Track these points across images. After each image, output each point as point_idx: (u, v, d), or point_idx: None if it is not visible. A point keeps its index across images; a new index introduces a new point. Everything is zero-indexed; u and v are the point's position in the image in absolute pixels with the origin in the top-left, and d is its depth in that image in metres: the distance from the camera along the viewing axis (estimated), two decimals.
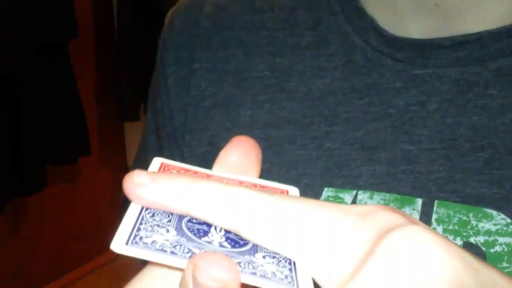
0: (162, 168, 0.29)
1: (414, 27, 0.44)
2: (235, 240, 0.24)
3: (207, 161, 0.47)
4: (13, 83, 1.77)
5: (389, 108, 0.43)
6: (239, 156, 0.29)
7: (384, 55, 0.44)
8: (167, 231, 0.23)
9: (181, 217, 0.24)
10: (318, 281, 0.23)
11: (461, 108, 0.41)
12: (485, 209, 0.39)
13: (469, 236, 0.38)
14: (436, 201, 0.40)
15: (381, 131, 0.43)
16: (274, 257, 0.23)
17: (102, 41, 2.31)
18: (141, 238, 0.22)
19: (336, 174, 0.43)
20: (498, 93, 0.41)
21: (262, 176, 0.29)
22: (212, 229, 0.24)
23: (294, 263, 0.23)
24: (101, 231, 2.34)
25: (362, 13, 0.45)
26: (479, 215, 0.39)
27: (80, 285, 2.38)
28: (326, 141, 0.44)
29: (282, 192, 0.29)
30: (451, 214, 0.39)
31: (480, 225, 0.38)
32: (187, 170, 0.29)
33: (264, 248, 0.24)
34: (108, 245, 0.22)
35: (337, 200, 0.42)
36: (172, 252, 0.22)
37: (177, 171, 0.28)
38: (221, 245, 0.23)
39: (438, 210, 0.40)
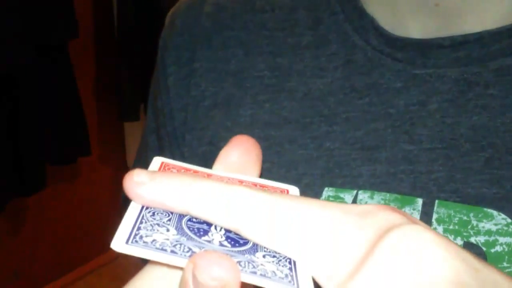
0: (162, 167, 0.29)
1: (415, 27, 0.44)
2: (235, 239, 0.24)
3: (207, 160, 0.47)
4: (13, 83, 1.77)
5: (390, 108, 0.43)
6: (240, 155, 0.29)
7: (384, 55, 0.44)
8: (167, 230, 0.23)
9: (181, 216, 0.24)
10: (318, 280, 0.23)
11: (462, 108, 0.41)
12: (485, 209, 0.39)
13: (470, 236, 0.38)
14: (436, 201, 0.40)
15: (382, 131, 0.43)
16: (274, 256, 0.23)
17: (102, 41, 2.30)
18: (141, 237, 0.22)
19: (336, 174, 0.43)
20: (499, 93, 0.41)
21: (262, 175, 0.29)
22: (212, 228, 0.24)
23: (294, 262, 0.23)
24: (101, 231, 2.34)
25: (362, 13, 0.45)
26: (480, 215, 0.39)
27: (80, 285, 2.38)
28: (326, 141, 0.44)
29: (282, 191, 0.29)
30: (452, 214, 0.39)
31: (481, 225, 0.38)
32: (187, 170, 0.29)
33: (264, 247, 0.24)
34: (108, 245, 0.22)
35: (338, 200, 0.42)
36: (172, 251, 0.22)
37: (177, 171, 0.28)
38: (221, 244, 0.23)
39: (439, 210, 0.40)
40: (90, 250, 2.43)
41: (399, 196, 0.41)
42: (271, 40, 0.49)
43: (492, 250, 0.38)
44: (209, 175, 0.28)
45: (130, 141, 2.47)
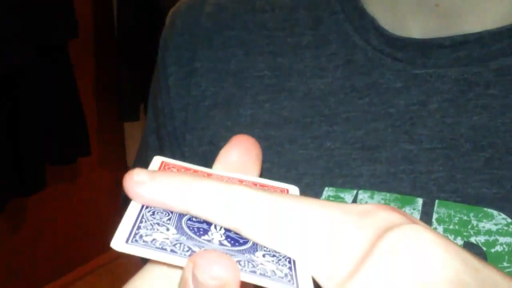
0: (163, 167, 0.29)
1: (415, 27, 0.44)
2: (235, 239, 0.24)
3: (207, 160, 0.47)
4: (13, 83, 1.77)
5: (390, 108, 0.43)
6: (240, 155, 0.29)
7: (385, 55, 0.44)
8: (167, 229, 0.23)
9: (181, 215, 0.24)
10: (318, 280, 0.23)
11: (462, 108, 0.41)
12: (485, 209, 0.39)
13: (470, 236, 0.38)
14: (436, 201, 0.40)
15: (382, 131, 0.43)
16: (274, 256, 0.23)
17: (102, 41, 2.30)
18: (141, 236, 0.22)
19: (336, 174, 0.43)
20: (499, 93, 0.41)
21: (262, 175, 0.29)
22: (212, 227, 0.24)
23: (294, 262, 0.23)
24: (101, 231, 2.34)
25: (362, 13, 0.45)
26: (480, 215, 0.38)
27: (80, 285, 2.38)
28: (326, 140, 0.44)
29: (282, 191, 0.29)
30: (452, 214, 0.39)
31: (481, 225, 0.38)
32: (187, 169, 0.29)
33: (264, 247, 0.24)
34: (108, 245, 0.22)
35: (338, 199, 0.42)
36: (172, 251, 0.22)
37: (177, 170, 0.28)
38: (221, 244, 0.23)
39: (439, 209, 0.40)
40: (90, 250, 2.43)
41: (399, 196, 0.41)
42: (271, 40, 0.49)
43: (492, 250, 0.38)
44: (209, 175, 0.28)
45: (130, 141, 2.47)
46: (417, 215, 0.40)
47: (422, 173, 0.41)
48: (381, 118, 0.43)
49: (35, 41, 1.75)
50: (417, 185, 0.41)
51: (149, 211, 0.24)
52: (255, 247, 0.24)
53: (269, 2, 0.50)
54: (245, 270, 0.22)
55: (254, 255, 0.23)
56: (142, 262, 0.25)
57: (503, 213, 0.38)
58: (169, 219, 0.24)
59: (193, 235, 0.23)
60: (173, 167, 0.29)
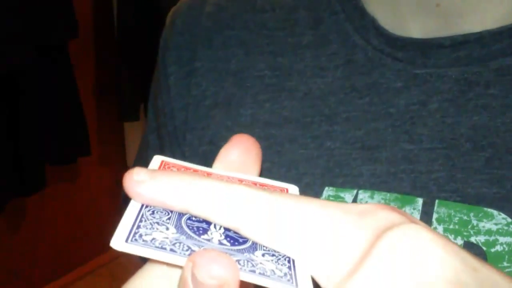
0: (162, 166, 0.29)
1: (415, 26, 0.44)
2: (234, 238, 0.24)
3: (208, 160, 0.47)
4: (13, 83, 1.77)
5: (390, 108, 0.43)
6: (239, 154, 0.29)
7: (385, 55, 0.44)
8: (167, 228, 0.23)
9: (180, 215, 0.24)
10: (317, 279, 0.23)
11: (462, 108, 0.41)
12: (485, 209, 0.39)
13: (470, 235, 0.38)
14: (436, 201, 0.40)
15: (382, 131, 0.43)
16: (273, 255, 0.23)
17: (102, 41, 2.31)
18: (140, 235, 0.22)
19: (336, 174, 0.43)
20: (499, 92, 0.41)
21: (262, 175, 0.29)
22: (212, 227, 0.24)
23: (293, 261, 0.23)
24: (101, 231, 2.34)
25: (363, 13, 0.45)
26: (480, 215, 0.38)
27: (80, 285, 2.38)
28: (326, 140, 0.44)
29: (282, 190, 0.29)
30: (452, 214, 0.39)
31: (481, 224, 0.38)
32: (187, 168, 0.29)
33: (264, 246, 0.24)
34: (108, 245, 0.22)
35: (338, 199, 0.42)
36: (171, 250, 0.22)
37: (177, 169, 0.28)
38: (220, 243, 0.23)
39: (439, 209, 0.40)
40: (90, 250, 2.43)
41: (399, 196, 0.41)
42: (272, 40, 0.49)
43: (492, 250, 0.38)
44: (209, 174, 0.28)
45: (130, 141, 2.47)
46: (417, 215, 0.40)
47: (422, 173, 0.41)
48: (381, 118, 0.43)
49: (35, 41, 1.76)
50: (417, 185, 0.41)
51: (148, 211, 0.24)
52: (254, 246, 0.24)
53: (270, 2, 0.50)
54: (245, 270, 0.22)
55: (254, 255, 0.23)
56: (141, 261, 0.24)
57: (503, 213, 0.38)
58: (169, 219, 0.24)
59: (192, 235, 0.23)
60: (173, 167, 0.29)
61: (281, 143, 0.46)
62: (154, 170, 0.25)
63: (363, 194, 0.42)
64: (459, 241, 0.39)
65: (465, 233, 0.39)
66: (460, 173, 0.40)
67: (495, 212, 0.38)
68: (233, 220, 0.24)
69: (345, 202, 0.42)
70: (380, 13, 0.45)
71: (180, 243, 0.22)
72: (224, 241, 0.23)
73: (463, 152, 0.40)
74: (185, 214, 0.24)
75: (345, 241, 0.22)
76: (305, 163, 0.44)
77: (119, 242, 0.22)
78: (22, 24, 1.69)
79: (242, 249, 0.23)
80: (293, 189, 0.30)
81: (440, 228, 0.39)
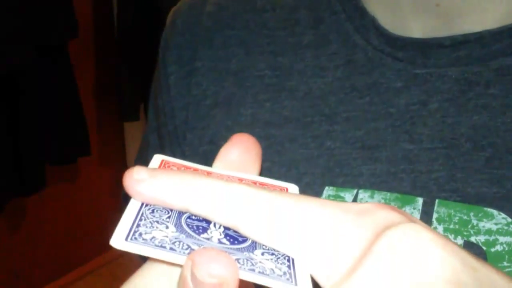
0: (163, 165, 0.29)
1: (415, 26, 0.44)
2: (234, 237, 0.24)
3: (208, 159, 0.47)
4: (13, 83, 1.77)
5: (390, 108, 0.43)
6: (240, 153, 0.29)
7: (385, 55, 0.44)
8: (167, 227, 0.23)
9: (180, 213, 0.24)
10: (317, 278, 0.23)
11: (462, 108, 0.41)
12: (485, 209, 0.39)
13: (470, 235, 0.38)
14: (436, 200, 0.40)
15: (382, 130, 0.43)
16: (273, 254, 0.23)
17: (102, 41, 2.30)
18: (140, 234, 0.22)
19: (337, 173, 0.43)
20: (499, 92, 0.41)
21: (262, 174, 0.29)
22: (211, 225, 0.24)
23: (293, 260, 0.23)
24: (101, 231, 2.33)
25: (363, 13, 0.45)
26: (480, 215, 0.38)
27: (80, 285, 2.38)
28: (327, 140, 0.44)
29: (281, 189, 0.29)
30: (452, 213, 0.39)
31: (481, 224, 0.38)
32: (187, 167, 0.29)
33: (263, 245, 0.24)
34: (108, 245, 0.22)
35: (338, 199, 0.42)
36: (171, 249, 0.22)
37: (177, 168, 0.28)
38: (220, 242, 0.23)
39: (439, 209, 0.40)
40: (90, 250, 2.42)
41: (399, 196, 0.41)
42: (272, 40, 0.49)
43: (492, 250, 0.38)
44: (209, 173, 0.28)
45: (130, 141, 2.47)
46: (417, 215, 0.40)
47: (422, 172, 0.41)
48: (382, 118, 0.43)
49: (35, 41, 1.75)
50: (417, 184, 0.41)
51: (148, 209, 0.24)
52: (254, 245, 0.24)
53: (270, 2, 0.50)
54: (244, 268, 0.22)
55: (253, 253, 0.23)
56: (141, 260, 0.24)
57: (503, 212, 0.38)
58: (169, 217, 0.24)
59: (192, 233, 0.23)
60: (173, 166, 0.29)
61: (281, 142, 0.46)
62: (154, 169, 0.25)
63: (363, 194, 0.42)
64: (459, 240, 0.39)
65: (465, 233, 0.39)
66: (460, 173, 0.40)
67: (495, 212, 0.38)
68: (232, 219, 0.24)
69: (345, 201, 0.42)
70: (380, 13, 0.45)
71: (179, 241, 0.22)
72: (224, 240, 0.23)
73: (463, 152, 0.40)
74: (185, 213, 0.25)
75: (344, 240, 0.22)
76: (305, 162, 0.44)
77: (119, 240, 0.22)
78: (22, 24, 1.69)
79: (241, 248, 0.23)
80: (293, 188, 0.30)
81: (440, 228, 0.39)
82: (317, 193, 0.43)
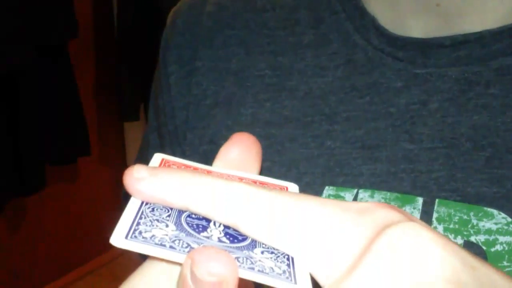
0: (163, 164, 0.29)
1: (415, 26, 0.44)
2: (234, 236, 0.24)
3: (208, 159, 0.48)
4: (13, 83, 1.77)
5: (390, 107, 0.43)
6: (240, 152, 0.29)
7: (385, 54, 0.44)
8: (167, 225, 0.23)
9: (180, 212, 0.24)
10: (316, 277, 0.23)
11: (462, 107, 0.41)
12: (485, 208, 0.39)
13: (470, 235, 0.38)
14: (436, 200, 0.40)
15: (382, 130, 0.43)
16: (272, 253, 0.23)
17: (102, 41, 2.31)
18: (140, 232, 0.22)
19: (337, 173, 0.43)
20: (499, 92, 0.41)
21: (263, 174, 0.29)
22: (211, 224, 0.24)
23: (292, 259, 0.23)
24: (101, 231, 2.34)
25: (363, 12, 0.45)
26: (480, 214, 0.38)
27: (80, 285, 2.38)
28: (327, 139, 0.44)
29: (281, 188, 0.29)
30: (452, 213, 0.39)
31: (481, 224, 0.38)
32: (187, 166, 0.29)
33: (263, 244, 0.24)
34: (108, 245, 0.22)
35: (338, 198, 0.42)
36: (171, 247, 0.22)
37: (178, 167, 0.28)
38: (220, 240, 0.23)
39: (439, 209, 0.40)
40: (90, 250, 2.43)
41: (399, 195, 0.41)
42: (272, 39, 0.49)
43: (492, 249, 0.38)
44: (209, 172, 0.28)
45: (130, 141, 2.47)
46: (417, 214, 0.40)
47: (422, 172, 0.41)
48: (382, 118, 0.43)
49: (35, 41, 1.76)
50: (417, 184, 0.41)
51: (148, 208, 0.24)
52: (254, 244, 0.24)
53: (270, 1, 0.50)
54: (244, 267, 0.22)
55: (253, 252, 0.23)
56: (141, 259, 0.24)
57: (503, 212, 0.38)
58: (169, 216, 0.24)
59: (192, 232, 0.23)
60: (173, 164, 0.29)
61: (282, 142, 0.46)
62: (154, 168, 0.25)
63: (363, 194, 0.42)
64: (459, 240, 0.39)
65: (465, 233, 0.39)
66: (460, 173, 0.40)
67: (495, 212, 0.38)
68: (232, 218, 0.24)
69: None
70: (380, 12, 0.45)
71: (179, 240, 0.22)
72: (224, 239, 0.23)
73: (463, 151, 0.40)
74: (185, 211, 0.25)
75: (344, 239, 0.22)
76: (305, 162, 0.44)
77: (118, 238, 0.22)
78: (22, 24, 1.69)
79: (241, 246, 0.23)
80: (293, 187, 0.30)
81: (440, 228, 0.39)
82: (317, 193, 0.43)
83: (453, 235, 0.39)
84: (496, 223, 0.38)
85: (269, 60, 0.48)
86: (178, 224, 0.24)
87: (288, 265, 0.23)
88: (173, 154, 0.52)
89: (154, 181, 0.24)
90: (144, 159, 0.57)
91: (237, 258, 0.22)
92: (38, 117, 1.87)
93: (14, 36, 1.67)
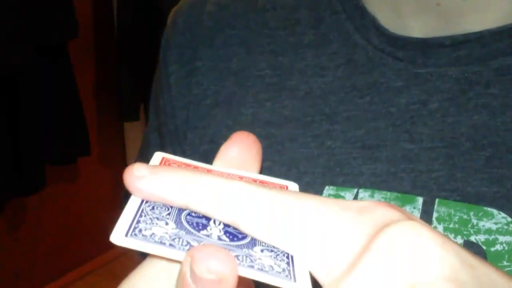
0: (163, 163, 0.29)
1: (416, 26, 0.44)
2: (233, 234, 0.24)
3: (208, 159, 0.47)
4: (13, 83, 1.77)
5: (390, 107, 0.43)
6: (240, 151, 0.29)
7: (385, 54, 0.44)
8: (166, 224, 0.23)
9: (180, 210, 0.24)
10: (315, 275, 0.23)
11: (462, 107, 0.41)
12: (485, 208, 0.39)
13: (470, 234, 0.38)
14: (436, 200, 0.40)
15: (382, 130, 0.43)
16: (272, 251, 0.23)
17: (102, 41, 2.31)
18: (140, 230, 0.22)
19: (337, 173, 0.43)
20: (499, 92, 0.41)
21: (263, 174, 0.29)
22: (211, 222, 0.24)
23: (292, 257, 0.23)
24: (101, 231, 2.33)
25: (363, 12, 0.45)
26: (480, 214, 0.38)
27: (80, 285, 2.38)
28: (327, 139, 0.44)
29: (281, 187, 0.29)
30: (452, 213, 0.39)
31: (481, 223, 0.38)
32: (187, 165, 0.29)
33: (263, 242, 0.24)
34: (108, 245, 0.22)
35: (338, 198, 0.42)
36: (170, 245, 0.22)
37: (178, 166, 0.28)
38: (219, 239, 0.23)
39: (439, 208, 0.40)
40: (90, 250, 2.43)
41: (399, 195, 0.41)
42: (273, 39, 0.49)
43: (492, 249, 0.38)
44: (209, 171, 0.28)
45: (130, 141, 2.48)
46: (417, 214, 0.40)
47: (422, 172, 0.41)
48: (382, 117, 0.43)
49: (35, 41, 1.76)
50: (417, 184, 0.41)
51: (148, 206, 0.24)
52: (253, 242, 0.24)
53: (271, 1, 0.50)
54: (243, 265, 0.22)
55: (253, 250, 0.23)
56: (141, 257, 0.25)
57: (503, 212, 0.38)
58: (169, 214, 0.24)
59: (192, 230, 0.23)
60: (173, 163, 0.29)
61: (282, 142, 0.46)
62: (154, 166, 0.25)
63: (363, 193, 0.42)
64: (459, 240, 0.39)
65: (465, 232, 0.39)
66: (460, 172, 0.40)
67: (495, 211, 0.38)
68: (232, 216, 0.24)
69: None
70: (380, 12, 0.45)
71: (179, 238, 0.22)
72: (223, 237, 0.23)
73: (463, 151, 0.40)
74: (185, 209, 0.25)
75: (343, 237, 0.22)
76: (305, 162, 0.44)
77: (118, 236, 0.22)
78: (22, 24, 1.69)
79: (241, 244, 0.23)
80: (293, 186, 0.30)
81: (440, 227, 0.39)
82: (317, 193, 0.43)
83: (453, 234, 0.39)
84: (496, 223, 0.38)
85: (270, 60, 0.48)
86: (178, 222, 0.24)
87: (288, 263, 0.23)
88: (174, 153, 0.52)
89: (154, 180, 0.24)
90: (145, 159, 0.57)
91: (236, 256, 0.22)
92: (38, 117, 1.87)
93: (14, 36, 1.67)
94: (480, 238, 0.38)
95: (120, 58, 2.12)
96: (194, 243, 0.22)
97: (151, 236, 0.22)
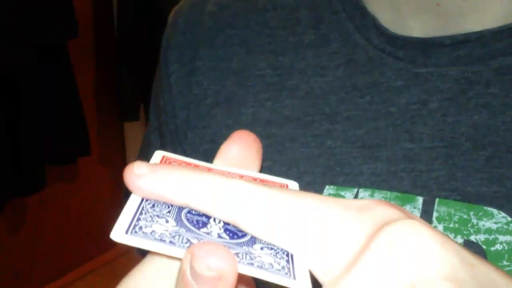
0: (164, 161, 0.29)
1: (416, 25, 0.44)
2: (233, 232, 0.24)
3: (209, 158, 0.47)
4: (13, 83, 1.77)
5: (390, 107, 0.43)
6: (240, 150, 0.29)
7: (386, 54, 0.44)
8: (167, 221, 0.23)
9: (180, 208, 0.25)
10: (315, 273, 0.23)
11: (462, 107, 0.41)
12: (485, 208, 0.39)
13: (470, 234, 0.38)
14: (437, 199, 0.40)
15: (382, 130, 0.43)
16: (272, 249, 0.23)
17: (102, 41, 2.31)
18: (140, 227, 0.22)
19: (337, 172, 0.43)
20: (499, 91, 0.41)
21: (263, 173, 0.29)
22: (211, 220, 0.24)
23: (292, 255, 0.23)
24: (101, 231, 2.33)
25: (363, 12, 0.45)
26: (480, 214, 0.39)
27: (80, 285, 2.38)
28: (327, 139, 0.44)
29: (281, 186, 0.29)
30: (452, 212, 0.39)
31: (481, 223, 0.38)
32: (188, 164, 0.29)
33: (262, 240, 0.24)
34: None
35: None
36: (170, 242, 0.22)
37: (178, 164, 0.28)
38: (219, 236, 0.23)
39: (439, 208, 0.40)
40: (90, 250, 2.43)
41: (399, 194, 0.41)
42: (273, 39, 0.49)
43: (492, 249, 0.38)
44: (209, 169, 0.28)
45: (130, 141, 2.48)
46: (417, 214, 0.40)
47: (422, 171, 0.41)
48: (382, 117, 0.43)
49: (35, 41, 1.76)
50: (417, 183, 0.41)
51: (149, 203, 0.24)
52: (253, 240, 0.24)
53: (271, 1, 0.50)
54: (243, 262, 0.22)
55: (252, 248, 0.23)
56: (141, 255, 0.25)
57: (503, 211, 0.38)
58: (169, 212, 0.24)
59: (192, 228, 0.23)
60: (174, 162, 0.29)
61: (282, 142, 0.46)
62: (154, 164, 0.25)
63: (363, 193, 0.42)
64: (459, 239, 0.39)
65: (465, 232, 0.39)
66: (460, 172, 0.40)
67: (495, 211, 0.38)
68: (232, 215, 0.24)
69: None
70: (380, 12, 0.45)
71: (179, 235, 0.23)
72: (223, 235, 0.23)
73: (463, 151, 0.40)
74: (185, 207, 0.25)
75: (343, 236, 0.22)
76: (306, 161, 0.44)
77: (119, 233, 0.22)
78: (22, 24, 1.69)
79: (241, 242, 0.23)
80: (293, 185, 0.30)
81: (440, 227, 0.39)
82: (318, 192, 0.43)
83: (453, 234, 0.39)
84: (496, 223, 0.38)
85: (270, 59, 0.48)
86: (178, 220, 0.24)
87: (288, 261, 0.23)
88: (174, 153, 0.52)
89: (154, 178, 0.24)
90: (145, 159, 0.57)
91: (236, 253, 0.22)
92: (38, 117, 1.87)
93: (14, 36, 1.67)
94: (480, 237, 0.38)
95: (120, 58, 2.12)
96: (194, 241, 0.22)
97: (151, 233, 0.22)
